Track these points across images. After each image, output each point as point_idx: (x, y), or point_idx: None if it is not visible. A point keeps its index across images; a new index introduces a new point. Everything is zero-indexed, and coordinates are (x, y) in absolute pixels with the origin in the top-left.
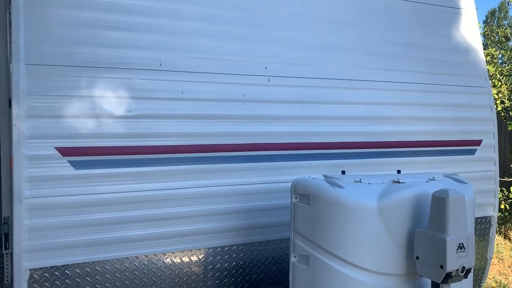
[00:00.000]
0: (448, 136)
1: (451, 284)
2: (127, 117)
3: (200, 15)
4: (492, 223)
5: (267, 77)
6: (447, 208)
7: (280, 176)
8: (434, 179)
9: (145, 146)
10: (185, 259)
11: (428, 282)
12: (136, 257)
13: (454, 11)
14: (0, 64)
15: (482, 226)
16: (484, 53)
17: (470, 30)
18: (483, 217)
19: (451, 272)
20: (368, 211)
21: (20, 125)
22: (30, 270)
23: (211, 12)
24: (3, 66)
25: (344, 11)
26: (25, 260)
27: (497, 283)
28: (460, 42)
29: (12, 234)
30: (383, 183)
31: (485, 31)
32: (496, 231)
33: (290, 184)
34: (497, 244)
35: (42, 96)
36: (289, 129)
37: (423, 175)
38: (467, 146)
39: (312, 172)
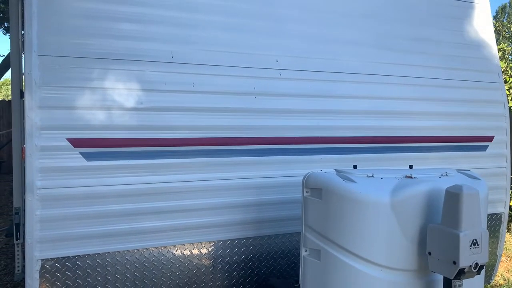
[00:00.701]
0: (460, 132)
1: (463, 280)
2: (138, 109)
3: (212, 8)
4: (502, 220)
5: (278, 70)
6: (461, 203)
7: (291, 170)
8: (446, 175)
9: (156, 139)
10: (195, 251)
11: (440, 278)
12: (146, 249)
13: (467, 5)
14: (13, 55)
15: (492, 223)
16: None
17: (483, 24)
18: (494, 214)
19: (464, 268)
20: (381, 206)
21: (33, 116)
22: (42, 260)
23: (223, 4)
24: (16, 57)
25: (357, 4)
26: (37, 250)
27: (505, 280)
28: (473, 36)
29: (23, 224)
30: (395, 178)
31: (497, 27)
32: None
33: (300, 178)
34: (505, 242)
35: (54, 87)
36: (300, 123)
37: (436, 170)
38: (479, 142)
39: (323, 166)
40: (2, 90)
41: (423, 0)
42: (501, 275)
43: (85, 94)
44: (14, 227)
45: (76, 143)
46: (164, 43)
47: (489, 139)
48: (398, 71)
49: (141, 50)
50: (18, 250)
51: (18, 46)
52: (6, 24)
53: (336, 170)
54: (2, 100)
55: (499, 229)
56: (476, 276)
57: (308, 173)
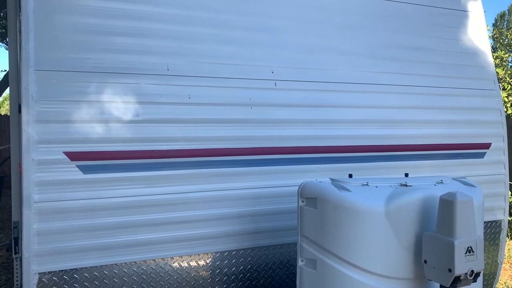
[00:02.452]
0: (457, 139)
1: None
2: (134, 121)
3: (207, 21)
4: (502, 227)
5: (273, 81)
6: (455, 211)
7: (287, 180)
8: (442, 182)
9: (153, 151)
10: (193, 263)
11: (436, 286)
12: (144, 261)
13: (462, 13)
14: (11, 70)
15: (492, 230)
16: (494, 56)
17: (478, 32)
18: (493, 221)
19: (460, 276)
20: (375, 215)
21: (30, 130)
22: (39, 274)
23: (218, 17)
24: (14, 72)
25: (351, 15)
26: (34, 264)
27: None
28: (468, 45)
29: (21, 238)
30: (390, 186)
31: (494, 34)
32: (507, 235)
33: (297, 188)
34: (508, 249)
35: (51, 101)
36: (296, 133)
37: (431, 178)
38: (476, 149)
39: (319, 176)
40: (5, 105)
41: (418, 10)
42: (505, 283)
43: (81, 108)
44: (13, 241)
45: (73, 156)
46: (160, 56)
47: (487, 146)
48: (393, 80)
49: (137, 63)
50: (17, 264)
51: (16, 61)
52: (8, 39)
53: (331, 179)
54: (4, 115)
55: (499, 236)
56: (472, 284)
57: (303, 183)
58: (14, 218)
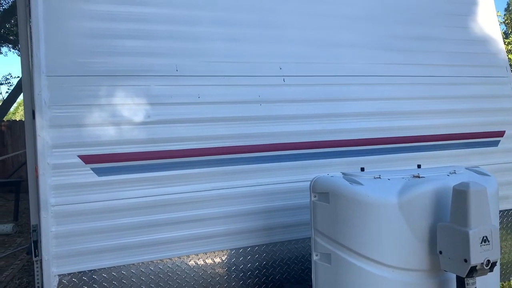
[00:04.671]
0: (470, 128)
1: (477, 278)
2: (146, 123)
3: (213, 20)
4: None
5: (282, 77)
6: (468, 201)
7: (299, 175)
8: (455, 172)
9: (165, 151)
10: (209, 260)
11: (452, 277)
12: (160, 260)
13: (471, 1)
14: (24, 76)
15: (509, 219)
16: (505, 42)
17: (488, 19)
18: (510, 210)
19: (476, 266)
20: (388, 207)
21: (44, 135)
22: (59, 275)
23: (224, 16)
24: (27, 78)
25: (358, 7)
26: (54, 266)
27: None
28: (478, 32)
29: (40, 241)
30: (402, 178)
31: (506, 20)
32: None
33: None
34: None
35: (63, 106)
36: (306, 128)
37: (444, 168)
38: (490, 138)
39: (331, 170)
40: (19, 111)
41: None
42: None
43: (93, 111)
44: (33, 244)
45: (87, 159)
46: (168, 57)
47: (500, 134)
48: (404, 71)
49: (146, 65)
50: (37, 267)
51: (28, 67)
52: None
53: (342, 173)
54: (19, 120)
55: None
56: (489, 273)
57: (314, 178)
58: (33, 221)
